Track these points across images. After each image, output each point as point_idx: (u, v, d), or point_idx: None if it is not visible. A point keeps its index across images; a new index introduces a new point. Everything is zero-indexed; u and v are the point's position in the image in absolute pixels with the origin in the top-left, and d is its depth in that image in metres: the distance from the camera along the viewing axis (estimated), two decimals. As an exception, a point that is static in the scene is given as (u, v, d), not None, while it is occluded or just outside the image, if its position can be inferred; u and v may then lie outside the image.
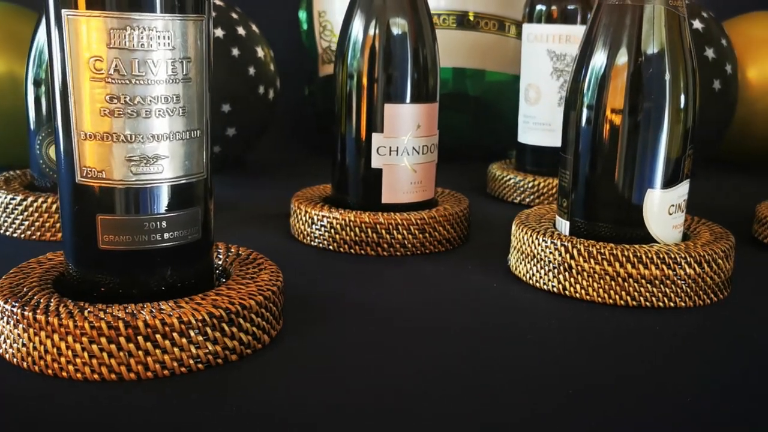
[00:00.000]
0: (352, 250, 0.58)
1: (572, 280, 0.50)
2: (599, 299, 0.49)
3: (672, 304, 0.49)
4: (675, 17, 0.50)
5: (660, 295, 0.49)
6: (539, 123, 0.77)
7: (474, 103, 0.94)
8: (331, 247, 0.59)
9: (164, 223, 0.39)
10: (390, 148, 0.59)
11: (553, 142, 0.77)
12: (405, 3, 0.59)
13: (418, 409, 0.35)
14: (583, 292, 0.50)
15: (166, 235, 0.39)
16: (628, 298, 0.49)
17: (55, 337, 0.36)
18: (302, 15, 0.97)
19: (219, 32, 0.79)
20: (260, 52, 0.83)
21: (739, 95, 0.92)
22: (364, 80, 0.59)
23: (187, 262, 0.41)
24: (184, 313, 0.37)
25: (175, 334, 0.37)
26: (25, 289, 0.40)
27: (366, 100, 0.59)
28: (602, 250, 0.49)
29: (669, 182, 0.51)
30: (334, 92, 0.62)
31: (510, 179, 0.77)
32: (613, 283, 0.49)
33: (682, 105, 0.50)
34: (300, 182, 0.70)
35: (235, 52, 0.80)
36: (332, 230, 0.59)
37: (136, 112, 0.37)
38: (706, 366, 0.41)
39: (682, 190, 0.52)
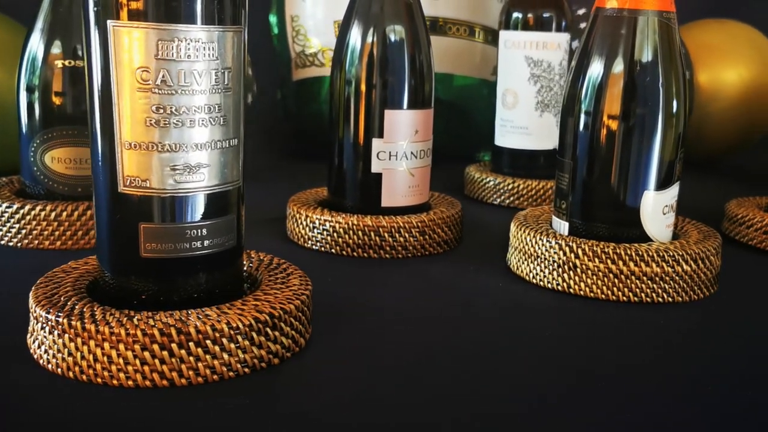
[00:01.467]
0: (355, 253, 0.60)
1: (576, 278, 0.53)
2: (602, 296, 0.52)
3: (670, 299, 0.52)
4: (667, 27, 0.53)
5: (659, 291, 0.52)
6: (516, 127, 0.80)
7: (444, 107, 0.96)
8: (333, 251, 0.60)
9: (204, 231, 0.40)
10: (389, 153, 0.60)
11: (529, 145, 0.80)
12: (402, 10, 0.60)
13: (448, 402, 0.37)
14: (587, 289, 0.52)
15: (206, 242, 0.40)
16: (630, 294, 0.52)
17: (106, 345, 0.37)
18: (273, 19, 0.97)
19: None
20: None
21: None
22: (363, 87, 0.60)
23: (224, 268, 0.42)
24: (231, 318, 0.38)
25: (224, 340, 0.38)
26: (63, 299, 0.40)
27: (365, 106, 0.60)
28: (606, 249, 0.52)
29: (663, 184, 0.54)
30: (331, 98, 0.63)
31: (489, 181, 0.80)
32: (616, 280, 0.52)
33: (674, 110, 0.53)
34: (286, 186, 0.71)
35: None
36: (335, 234, 0.60)
37: (181, 121, 0.38)
38: (710, 356, 0.44)
39: (674, 191, 0.55)
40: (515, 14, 0.79)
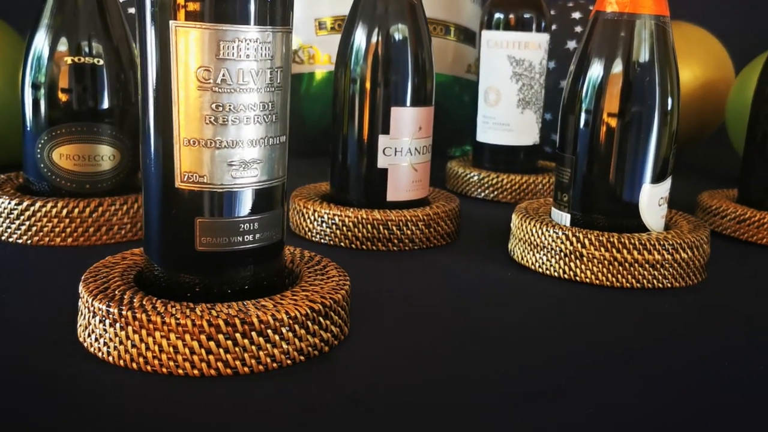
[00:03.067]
0: (364, 246, 0.61)
1: (582, 266, 0.56)
2: (607, 283, 0.55)
3: (669, 285, 0.56)
4: (662, 30, 0.57)
5: (660, 277, 0.55)
6: (498, 123, 0.83)
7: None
8: (342, 244, 0.62)
9: (256, 225, 0.41)
10: (395, 149, 0.62)
11: (511, 141, 0.83)
12: (405, 10, 0.63)
13: (489, 380, 0.39)
14: (593, 277, 0.55)
15: (256, 236, 0.41)
16: (633, 281, 0.55)
17: (172, 336, 0.38)
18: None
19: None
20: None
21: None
22: (368, 85, 0.62)
23: (270, 261, 0.43)
24: (289, 308, 0.40)
25: (283, 329, 0.39)
26: (117, 292, 0.40)
27: (370, 104, 0.62)
28: (611, 239, 0.55)
29: (659, 177, 0.57)
30: (335, 96, 0.64)
31: (473, 176, 0.83)
32: (620, 267, 0.55)
33: (669, 108, 0.57)
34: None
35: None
36: (344, 227, 0.61)
37: (238, 119, 0.39)
38: (716, 334, 0.47)
39: (668, 184, 0.59)
40: (497, 15, 0.82)
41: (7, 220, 0.58)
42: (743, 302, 0.54)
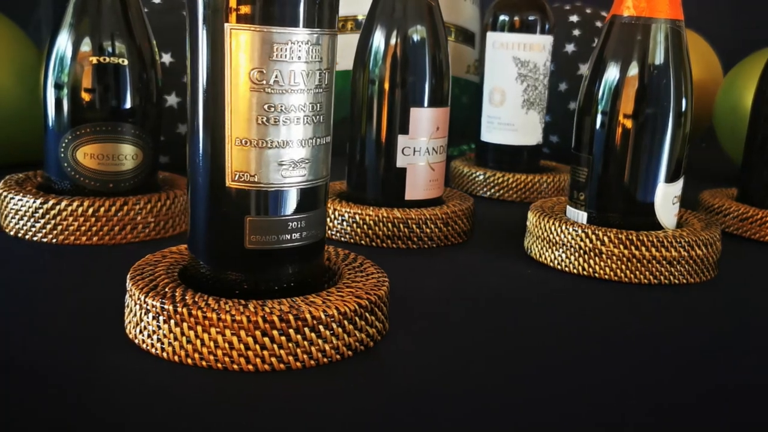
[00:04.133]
0: (384, 244, 0.63)
1: (602, 263, 0.57)
2: (625, 279, 0.57)
3: (684, 281, 0.57)
4: (677, 34, 0.58)
5: (676, 273, 0.57)
6: (504, 123, 0.84)
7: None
8: (363, 242, 0.63)
9: (303, 223, 0.42)
10: (414, 148, 0.64)
11: (515, 141, 0.85)
12: (424, 11, 0.64)
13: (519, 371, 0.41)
14: (612, 273, 0.57)
15: (303, 234, 0.42)
16: (651, 277, 0.57)
17: (227, 332, 0.39)
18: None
19: (197, 34, 0.80)
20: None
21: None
22: (386, 86, 0.63)
23: (314, 258, 0.44)
24: (338, 304, 0.41)
25: (334, 324, 0.40)
26: (168, 290, 0.41)
27: (389, 104, 0.63)
28: (630, 236, 0.57)
29: (673, 177, 0.59)
30: (353, 97, 0.65)
31: (479, 175, 0.84)
32: (639, 264, 0.57)
33: (683, 109, 0.59)
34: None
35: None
36: (364, 225, 0.62)
37: (289, 119, 0.40)
38: (736, 327, 0.49)
39: (681, 183, 0.60)
40: (502, 16, 0.83)
41: (32, 219, 0.58)
42: (759, 296, 0.56)
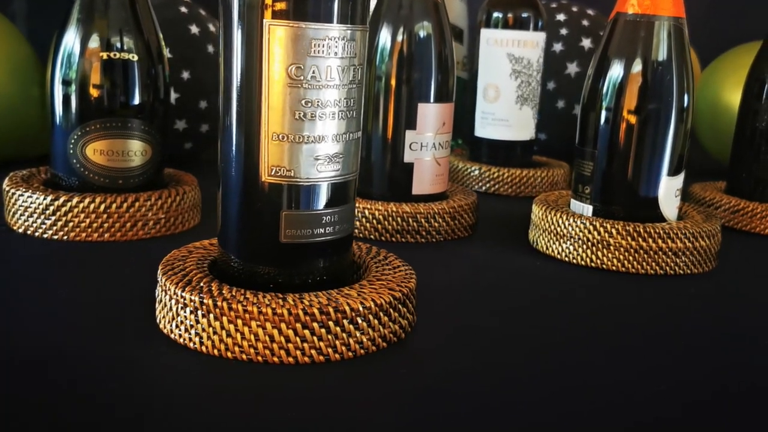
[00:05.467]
0: (394, 239, 0.63)
1: (609, 254, 0.59)
2: (632, 270, 0.58)
3: (689, 271, 0.59)
4: (679, 31, 0.60)
5: (681, 264, 0.59)
6: (498, 119, 0.85)
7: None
8: (372, 236, 0.63)
9: (336, 217, 0.43)
10: (420, 144, 0.64)
11: (509, 136, 0.86)
12: (430, 9, 0.64)
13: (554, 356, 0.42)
14: (619, 264, 0.59)
15: (336, 228, 0.43)
16: (657, 267, 0.58)
17: (268, 325, 0.39)
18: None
19: (194, 29, 0.80)
20: (228, 50, 0.84)
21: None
22: (393, 82, 0.64)
23: (345, 252, 0.45)
24: (374, 297, 0.41)
25: (371, 316, 0.41)
26: (202, 284, 0.41)
27: (396, 101, 0.64)
28: (637, 228, 0.58)
29: (675, 170, 0.61)
30: (359, 92, 0.66)
31: (474, 170, 0.85)
32: (645, 255, 0.58)
33: (685, 105, 0.60)
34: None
35: (210, 49, 0.81)
36: (373, 220, 0.63)
37: (324, 114, 0.41)
38: (742, 313, 0.51)
39: (682, 176, 0.62)
40: (495, 14, 0.84)
41: (42, 216, 0.57)
42: (762, 285, 0.58)
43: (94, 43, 0.59)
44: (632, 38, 0.60)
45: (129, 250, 0.57)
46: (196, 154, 0.84)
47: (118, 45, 0.59)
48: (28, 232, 0.58)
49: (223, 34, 0.41)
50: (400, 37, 0.64)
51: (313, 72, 0.40)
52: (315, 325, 0.39)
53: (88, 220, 0.57)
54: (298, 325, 0.39)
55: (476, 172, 0.85)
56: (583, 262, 0.60)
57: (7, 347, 0.40)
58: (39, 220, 0.58)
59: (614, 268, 0.59)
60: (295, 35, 0.39)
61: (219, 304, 0.39)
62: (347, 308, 0.40)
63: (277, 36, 0.39)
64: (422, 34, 0.64)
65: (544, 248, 0.63)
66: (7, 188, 0.60)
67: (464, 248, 0.63)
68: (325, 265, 0.43)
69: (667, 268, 0.59)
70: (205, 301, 0.40)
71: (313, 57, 0.40)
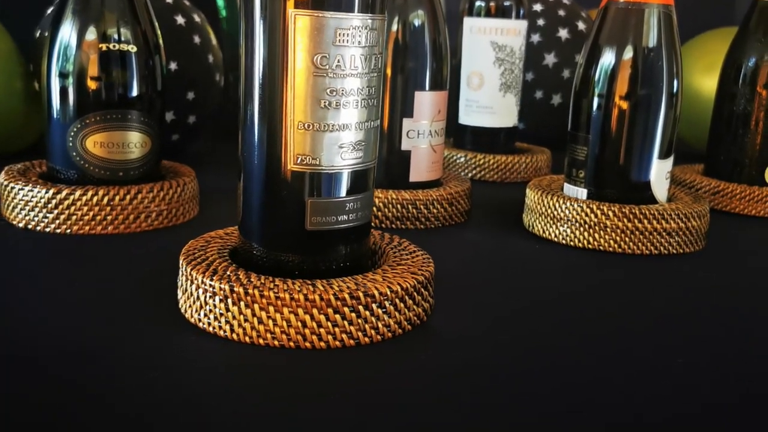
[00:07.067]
0: (393, 225, 0.64)
1: (606, 236, 0.60)
2: (628, 251, 0.60)
3: (681, 251, 0.61)
4: (669, 18, 0.62)
5: (674, 243, 0.61)
6: (482, 106, 0.87)
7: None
8: (372, 224, 0.64)
9: (359, 203, 0.44)
10: (417, 131, 0.65)
11: (493, 123, 0.87)
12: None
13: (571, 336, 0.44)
14: (615, 245, 0.60)
15: (358, 214, 0.44)
16: (652, 248, 0.60)
17: (300, 311, 0.40)
18: (220, 1, 0.98)
19: (180, 19, 0.79)
20: (213, 40, 0.84)
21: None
22: (389, 71, 0.65)
23: (365, 238, 0.45)
24: (399, 281, 0.42)
25: (397, 300, 0.42)
26: (228, 273, 0.42)
27: (392, 89, 0.65)
28: (633, 210, 0.60)
29: (666, 153, 0.63)
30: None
31: (460, 158, 0.86)
32: (641, 236, 0.60)
33: (675, 90, 0.62)
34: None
35: (197, 39, 0.80)
36: (374, 208, 0.64)
37: (348, 102, 0.41)
38: (734, 289, 0.54)
39: (672, 159, 0.64)
40: (478, 2, 0.86)
41: (44, 210, 0.57)
42: (748, 262, 0.60)
43: (91, 35, 0.58)
44: (623, 26, 0.62)
45: (133, 242, 0.57)
46: (183, 145, 0.84)
47: (116, 36, 0.59)
48: (30, 226, 0.58)
49: (244, 25, 0.41)
50: (395, 26, 0.65)
51: (338, 61, 0.40)
52: (345, 309, 0.40)
53: (91, 213, 0.57)
54: (330, 311, 0.40)
55: (462, 160, 0.86)
56: (580, 244, 0.61)
57: (34, 342, 0.40)
58: (41, 214, 0.57)
59: (611, 249, 0.61)
60: (320, 25, 0.40)
61: (250, 291, 0.40)
62: (376, 293, 0.41)
63: (301, 25, 0.40)
64: (417, 22, 0.65)
65: (541, 231, 0.64)
66: (6, 182, 0.59)
67: (463, 234, 0.64)
68: (347, 251, 0.44)
69: (661, 248, 0.61)
70: (235, 289, 0.40)
71: (337, 46, 0.40)
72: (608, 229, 0.60)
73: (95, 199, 0.57)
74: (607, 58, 0.62)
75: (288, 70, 0.40)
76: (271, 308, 0.40)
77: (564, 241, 0.62)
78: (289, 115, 0.41)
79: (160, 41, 0.62)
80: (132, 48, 0.59)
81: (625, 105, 0.62)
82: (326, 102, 0.41)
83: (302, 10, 0.39)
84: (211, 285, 0.41)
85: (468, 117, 0.88)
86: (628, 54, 0.62)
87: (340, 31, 0.40)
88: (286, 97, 0.41)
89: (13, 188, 0.58)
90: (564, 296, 0.51)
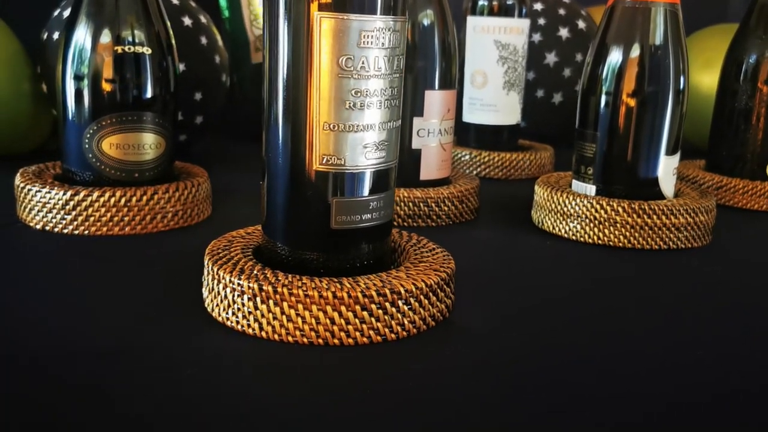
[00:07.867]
0: (405, 223, 0.65)
1: (616, 232, 0.61)
2: (638, 246, 0.61)
3: (690, 245, 0.62)
4: (675, 16, 0.63)
5: (683, 238, 0.62)
6: (486, 104, 0.88)
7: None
8: (384, 222, 0.65)
9: (381, 203, 0.44)
10: (428, 130, 0.66)
11: (496, 121, 0.88)
12: None
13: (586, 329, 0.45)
14: (625, 241, 0.61)
15: (381, 213, 0.44)
16: (661, 243, 0.61)
17: (328, 309, 0.40)
18: (223, 2, 0.98)
19: (187, 21, 0.80)
20: (219, 41, 0.84)
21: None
22: (399, 69, 0.65)
23: (387, 236, 0.46)
24: (424, 278, 0.43)
25: (422, 297, 0.43)
26: (255, 272, 0.42)
27: (402, 89, 0.65)
28: (642, 206, 0.61)
29: (673, 150, 0.64)
30: (364, 81, 0.67)
31: (465, 155, 0.87)
32: (650, 231, 0.61)
33: (681, 87, 0.63)
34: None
35: (204, 40, 0.81)
36: (385, 206, 0.65)
37: (372, 103, 0.42)
38: (744, 281, 0.55)
39: (678, 155, 0.65)
40: (481, 1, 0.86)
41: (62, 212, 0.57)
42: (755, 255, 0.61)
43: (106, 37, 0.59)
44: (630, 24, 0.63)
45: (150, 242, 0.57)
46: (190, 145, 0.84)
47: (131, 38, 0.59)
48: (47, 227, 0.58)
49: (268, 27, 0.42)
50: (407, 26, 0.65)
51: (363, 62, 0.41)
52: (373, 306, 0.41)
53: (108, 214, 0.58)
54: (357, 308, 0.41)
55: (467, 157, 0.87)
56: (590, 240, 0.62)
57: (74, 339, 0.41)
58: (59, 216, 0.58)
59: (620, 244, 0.62)
60: (345, 27, 0.40)
61: (279, 290, 0.40)
62: (402, 290, 0.42)
63: (326, 28, 0.40)
64: (426, 22, 0.66)
65: (550, 228, 0.65)
66: (22, 184, 0.59)
67: (473, 231, 0.65)
68: (370, 249, 0.45)
69: (670, 242, 0.62)
70: (264, 287, 0.41)
71: (362, 48, 0.41)
72: (618, 225, 0.61)
73: (113, 200, 0.58)
74: (615, 56, 0.63)
75: (313, 71, 0.41)
76: (300, 306, 0.40)
77: (573, 237, 0.63)
78: (314, 116, 0.41)
79: (173, 42, 0.63)
80: (147, 50, 0.60)
81: (632, 102, 0.63)
82: (351, 103, 0.41)
83: (327, 13, 0.40)
84: (239, 284, 0.41)
85: (472, 115, 0.89)
86: (635, 52, 0.62)
87: (364, 33, 0.41)
88: (311, 98, 0.41)
89: (30, 190, 0.59)
90: (580, 289, 0.52)
